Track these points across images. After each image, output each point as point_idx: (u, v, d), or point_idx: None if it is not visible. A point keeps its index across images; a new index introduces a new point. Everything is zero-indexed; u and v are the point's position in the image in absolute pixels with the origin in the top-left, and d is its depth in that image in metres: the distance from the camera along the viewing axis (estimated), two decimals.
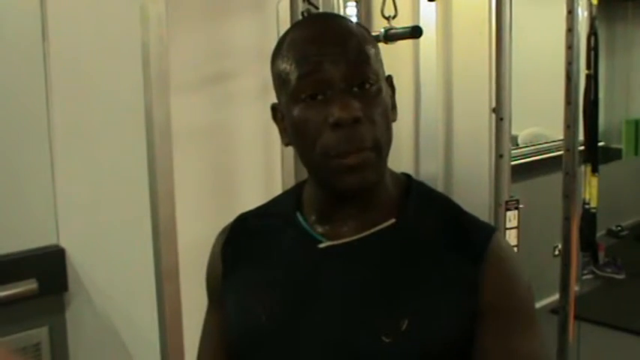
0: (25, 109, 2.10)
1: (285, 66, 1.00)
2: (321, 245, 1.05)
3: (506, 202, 2.30)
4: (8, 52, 2.06)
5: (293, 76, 0.99)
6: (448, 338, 0.98)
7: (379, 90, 1.00)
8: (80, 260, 2.12)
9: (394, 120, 1.06)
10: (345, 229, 1.05)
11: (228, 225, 1.21)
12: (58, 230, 2.13)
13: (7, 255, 2.06)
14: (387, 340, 0.97)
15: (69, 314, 2.17)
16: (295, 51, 1.00)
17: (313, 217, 1.09)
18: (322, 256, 1.05)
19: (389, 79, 1.07)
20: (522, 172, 4.00)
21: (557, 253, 2.88)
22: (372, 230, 1.04)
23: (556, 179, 2.82)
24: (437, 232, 1.05)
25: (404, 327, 0.97)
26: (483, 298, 0.99)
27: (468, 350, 1.00)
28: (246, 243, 1.15)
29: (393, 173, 1.10)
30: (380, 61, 1.03)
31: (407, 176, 1.13)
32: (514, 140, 4.60)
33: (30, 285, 2.03)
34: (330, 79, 0.97)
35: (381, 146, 0.99)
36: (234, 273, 1.14)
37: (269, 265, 1.10)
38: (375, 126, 0.98)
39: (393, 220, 1.05)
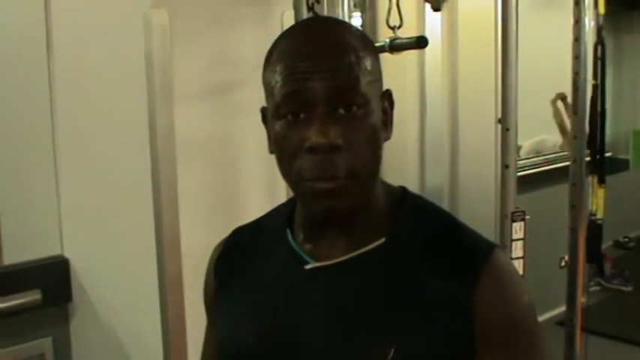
0: (29, 120, 2.11)
1: (271, 78, 0.96)
2: (307, 267, 1.01)
3: (512, 213, 2.28)
4: (13, 61, 2.07)
5: (277, 92, 0.94)
6: None
7: (367, 113, 0.94)
8: (84, 271, 2.12)
9: (387, 139, 1.01)
10: (333, 249, 1.00)
11: (223, 239, 1.18)
12: (62, 240, 2.13)
13: (12, 265, 2.07)
14: None
15: (73, 325, 2.17)
16: (282, 64, 0.94)
17: (302, 235, 1.05)
18: (308, 279, 1.01)
19: (387, 93, 1.02)
20: (528, 183, 3.98)
21: (563, 264, 2.86)
22: (360, 251, 0.99)
23: (562, 190, 2.81)
24: (429, 252, 0.99)
25: (390, 356, 0.92)
26: (479, 323, 0.93)
27: None
28: (238, 259, 1.12)
29: (387, 188, 1.06)
30: (374, 78, 0.97)
31: (403, 190, 1.08)
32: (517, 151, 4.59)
33: (34, 295, 2.03)
34: (313, 99, 0.91)
35: (359, 173, 0.93)
36: (225, 290, 1.11)
37: (258, 285, 1.07)
38: (354, 153, 0.93)
39: (382, 240, 0.99)
